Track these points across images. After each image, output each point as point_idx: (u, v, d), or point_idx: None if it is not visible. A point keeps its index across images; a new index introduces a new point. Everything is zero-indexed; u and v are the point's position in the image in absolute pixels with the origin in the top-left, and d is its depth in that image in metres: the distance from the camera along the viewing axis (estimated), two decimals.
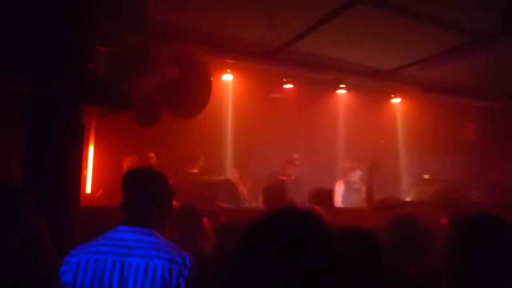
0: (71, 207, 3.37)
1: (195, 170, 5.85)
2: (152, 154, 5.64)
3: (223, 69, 6.05)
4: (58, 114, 3.35)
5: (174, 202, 3.35)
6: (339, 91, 6.95)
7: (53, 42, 3.05)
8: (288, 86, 6.63)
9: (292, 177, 6.45)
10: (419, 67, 5.38)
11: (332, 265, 0.92)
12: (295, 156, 6.67)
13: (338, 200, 7.15)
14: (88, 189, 5.39)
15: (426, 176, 7.74)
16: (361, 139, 7.34)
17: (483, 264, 1.55)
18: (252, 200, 6.36)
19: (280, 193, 3.87)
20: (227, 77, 6.35)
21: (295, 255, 0.89)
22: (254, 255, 0.93)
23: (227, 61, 5.54)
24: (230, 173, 6.54)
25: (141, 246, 1.76)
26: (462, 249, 1.63)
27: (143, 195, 1.88)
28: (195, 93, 4.60)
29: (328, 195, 3.88)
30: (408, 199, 6.88)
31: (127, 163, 5.36)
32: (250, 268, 0.93)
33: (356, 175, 6.98)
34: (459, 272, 1.64)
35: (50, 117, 3.33)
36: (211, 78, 4.91)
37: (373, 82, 6.23)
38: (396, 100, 7.45)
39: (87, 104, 3.69)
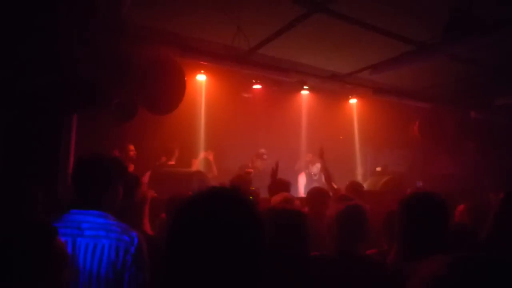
0: (50, 200, 3.34)
1: (172, 162, 5.87)
2: (131, 147, 5.60)
3: (197, 70, 6.07)
4: (37, 110, 3.31)
5: (151, 192, 3.37)
6: (302, 92, 7.10)
7: (33, 39, 2.99)
8: (257, 86, 6.71)
9: (260, 169, 6.57)
10: (371, 72, 5.56)
11: (255, 240, 0.93)
12: (262, 150, 6.79)
13: (301, 190, 7.35)
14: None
15: (378, 169, 8.02)
16: (322, 135, 7.53)
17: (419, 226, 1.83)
18: None
19: (245, 184, 3.94)
20: (201, 77, 6.37)
21: (223, 229, 0.90)
22: (185, 228, 0.93)
23: (201, 62, 5.55)
24: (205, 154, 6.57)
25: (91, 227, 1.75)
26: (406, 217, 1.90)
27: (91, 178, 1.86)
28: (169, 92, 4.60)
29: (285, 185, 3.97)
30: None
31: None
32: (180, 240, 0.93)
33: (317, 167, 7.23)
34: (405, 234, 1.89)
35: (29, 113, 3.28)
36: (185, 78, 4.93)
37: (332, 84, 6.38)
38: (353, 101, 7.67)
39: (67, 100, 3.65)
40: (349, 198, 2.73)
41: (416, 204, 1.90)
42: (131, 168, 5.43)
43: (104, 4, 3.49)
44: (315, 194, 3.88)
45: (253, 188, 4.05)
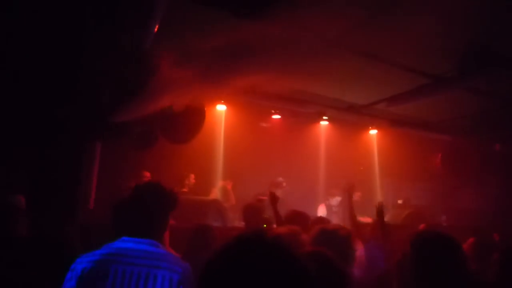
0: (74, 222, 3.41)
1: (185, 189, 5.93)
2: (147, 174, 5.71)
3: (217, 100, 6.23)
4: (65, 139, 3.46)
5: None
6: (321, 122, 7.14)
7: (52, 72, 3.15)
8: (276, 117, 6.81)
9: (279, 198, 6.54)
10: (387, 104, 5.55)
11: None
12: (280, 179, 6.77)
13: None
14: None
15: (400, 201, 7.80)
16: (341, 166, 7.46)
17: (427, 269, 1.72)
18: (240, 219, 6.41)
19: (257, 213, 3.90)
20: (221, 107, 6.54)
21: (262, 279, 0.81)
22: (219, 282, 0.85)
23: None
24: (224, 183, 6.61)
25: (142, 255, 1.72)
26: (416, 258, 1.79)
27: (145, 206, 1.86)
28: (188, 123, 4.74)
29: (303, 217, 3.90)
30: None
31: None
32: None
33: (336, 200, 7.11)
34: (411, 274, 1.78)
35: (57, 141, 3.43)
36: (205, 109, 5.07)
37: (349, 115, 6.39)
38: (373, 132, 7.61)
39: (93, 130, 3.82)
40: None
41: (425, 246, 1.78)
42: None
43: (128, 37, 3.69)
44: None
45: (266, 216, 4.01)
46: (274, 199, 3.89)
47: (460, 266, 1.75)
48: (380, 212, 4.44)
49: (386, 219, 6.95)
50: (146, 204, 1.87)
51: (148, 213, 1.85)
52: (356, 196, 7.49)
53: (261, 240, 0.89)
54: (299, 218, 3.92)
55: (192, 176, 6.07)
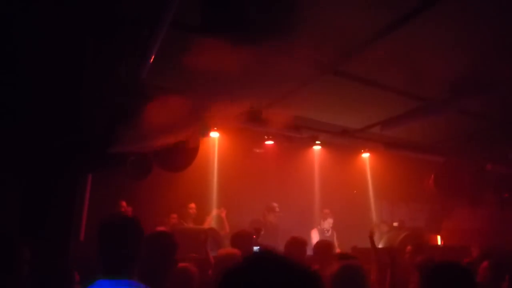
0: (64, 256, 3.28)
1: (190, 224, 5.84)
2: (123, 203, 5.59)
3: (210, 127, 6.20)
4: (55, 169, 3.36)
5: None
6: (314, 147, 7.15)
7: (51, 104, 3.09)
8: (269, 142, 6.79)
9: (273, 223, 6.46)
10: (381, 128, 5.60)
11: None
12: (274, 204, 6.70)
13: None
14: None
15: (395, 224, 7.75)
16: (335, 190, 7.44)
17: None
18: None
19: (246, 243, 3.80)
20: (214, 134, 6.51)
21: None
22: None
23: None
24: (218, 211, 6.50)
25: None
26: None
27: (119, 244, 1.72)
28: (184, 151, 4.68)
29: (301, 244, 3.84)
30: (380, 245, 6.85)
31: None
32: None
33: (328, 223, 7.04)
34: None
35: (48, 172, 3.33)
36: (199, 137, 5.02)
37: (343, 139, 6.42)
38: (365, 155, 7.64)
39: (85, 161, 3.73)
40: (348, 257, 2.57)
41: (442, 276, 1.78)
42: None
43: (124, 68, 3.67)
44: (324, 248, 3.76)
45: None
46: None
47: None
48: (371, 239, 4.35)
49: (382, 242, 6.93)
50: (119, 240, 1.72)
51: (121, 249, 1.71)
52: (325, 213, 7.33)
53: (277, 257, 0.92)
54: (299, 245, 3.88)
55: (193, 205, 5.97)
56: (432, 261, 1.90)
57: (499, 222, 6.81)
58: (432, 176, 7.11)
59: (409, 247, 4.34)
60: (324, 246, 3.95)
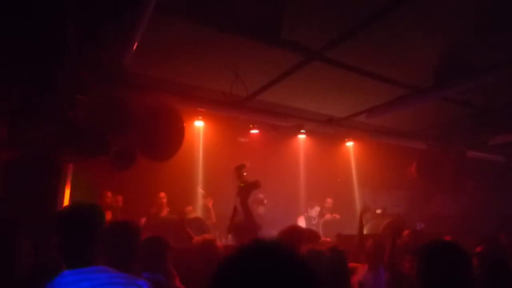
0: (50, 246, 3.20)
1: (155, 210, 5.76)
2: (109, 193, 5.49)
3: (195, 116, 6.12)
4: (36, 159, 3.25)
5: None
6: (299, 136, 7.15)
7: (33, 90, 2.99)
8: (254, 131, 6.74)
9: (262, 216, 6.45)
10: (367, 116, 5.64)
11: None
12: (261, 196, 6.68)
13: None
14: None
15: (378, 211, 7.88)
16: (320, 178, 7.48)
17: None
18: (222, 237, 6.24)
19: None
20: (199, 123, 6.42)
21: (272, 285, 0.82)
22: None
23: (199, 109, 5.61)
24: (205, 201, 6.47)
25: (94, 284, 1.60)
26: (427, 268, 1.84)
27: (78, 233, 1.72)
28: (168, 140, 4.59)
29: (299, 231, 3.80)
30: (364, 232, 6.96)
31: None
32: None
33: (315, 211, 7.10)
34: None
35: (29, 161, 3.22)
36: (184, 126, 4.94)
37: (329, 128, 6.43)
38: (349, 144, 7.70)
39: (66, 149, 3.61)
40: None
41: (440, 256, 1.83)
42: (109, 215, 5.28)
43: (107, 54, 3.55)
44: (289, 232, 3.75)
45: None
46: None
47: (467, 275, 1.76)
48: (360, 224, 4.42)
49: (366, 229, 7.04)
50: (79, 231, 1.72)
51: (82, 237, 1.71)
52: (328, 203, 7.53)
53: (275, 245, 0.91)
54: (295, 233, 3.86)
55: (163, 194, 5.88)
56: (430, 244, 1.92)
57: (478, 207, 7.02)
58: (414, 163, 7.24)
59: (406, 231, 4.39)
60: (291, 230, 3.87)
